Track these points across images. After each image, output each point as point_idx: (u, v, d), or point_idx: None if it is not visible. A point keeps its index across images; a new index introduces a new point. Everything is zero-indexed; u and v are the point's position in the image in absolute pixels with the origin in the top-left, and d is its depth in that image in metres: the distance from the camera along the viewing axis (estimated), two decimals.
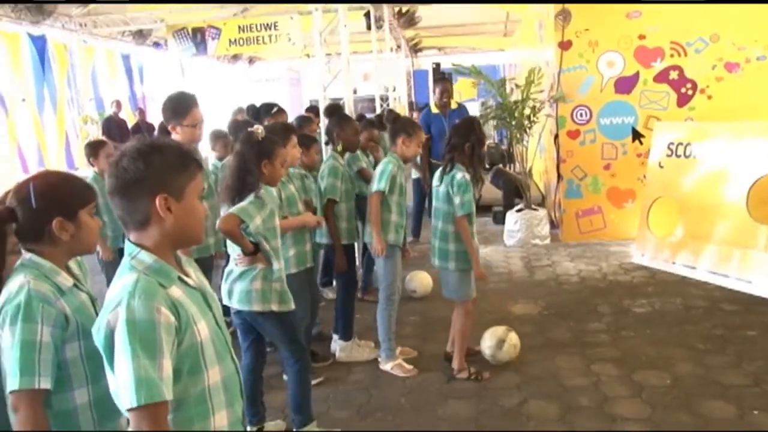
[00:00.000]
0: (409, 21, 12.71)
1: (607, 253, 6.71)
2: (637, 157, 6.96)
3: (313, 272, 4.13)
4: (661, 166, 6.30)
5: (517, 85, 7.49)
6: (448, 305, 4.33)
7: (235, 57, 16.37)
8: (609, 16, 6.90)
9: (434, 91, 7.69)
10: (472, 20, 13.40)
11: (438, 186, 4.04)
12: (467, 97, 16.03)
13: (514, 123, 7.17)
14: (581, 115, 7.09)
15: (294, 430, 3.42)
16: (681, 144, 6.12)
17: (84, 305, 1.88)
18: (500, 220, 7.86)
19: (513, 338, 4.19)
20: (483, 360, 4.20)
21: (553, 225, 7.57)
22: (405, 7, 11.87)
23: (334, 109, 6.21)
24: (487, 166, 9.99)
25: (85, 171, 5.73)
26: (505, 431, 3.47)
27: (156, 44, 12.72)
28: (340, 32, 6.68)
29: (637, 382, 3.88)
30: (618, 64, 6.93)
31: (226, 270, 3.32)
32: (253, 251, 3.15)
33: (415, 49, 18.46)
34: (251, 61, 17.91)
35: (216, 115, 10.04)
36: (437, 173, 4.10)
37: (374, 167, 4.87)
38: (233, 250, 3.26)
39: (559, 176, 7.27)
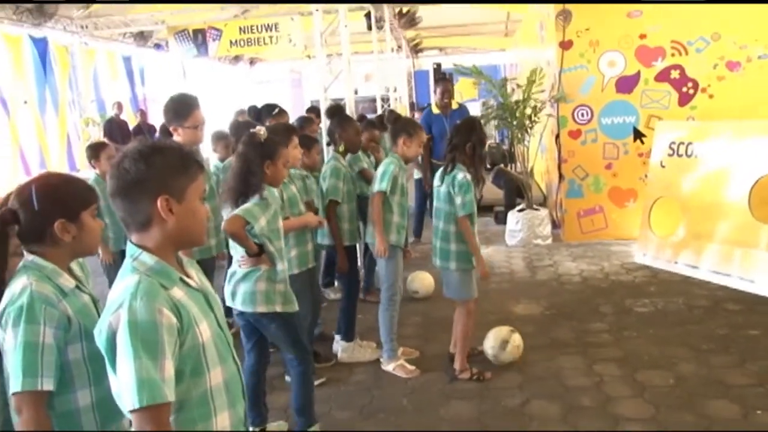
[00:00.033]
0: (410, 21, 12.73)
1: (609, 252, 6.70)
2: (639, 156, 6.95)
3: (314, 273, 4.12)
4: (663, 166, 6.29)
5: (518, 85, 7.49)
6: (450, 305, 4.32)
7: (236, 58, 16.41)
8: (610, 15, 6.89)
9: (435, 92, 7.68)
10: (473, 20, 13.42)
11: (439, 186, 4.03)
12: (468, 97, 16.01)
13: (515, 123, 7.16)
14: (582, 114, 7.08)
15: (296, 431, 3.42)
16: (682, 143, 6.11)
17: (86, 307, 1.88)
18: (502, 220, 7.85)
19: (516, 339, 4.19)
20: (485, 360, 4.20)
21: (555, 225, 7.56)
22: (406, 8, 11.88)
23: (336, 110, 6.21)
24: (489, 166, 10.01)
25: (86, 173, 5.75)
26: (507, 431, 3.47)
27: (157, 46, 12.76)
28: (341, 33, 6.67)
29: (640, 382, 3.87)
30: (619, 63, 6.93)
31: (229, 271, 3.31)
32: (258, 252, 3.15)
33: (416, 49, 18.48)
34: (252, 62, 17.94)
35: (217, 116, 10.05)
36: (438, 173, 4.09)
37: (375, 168, 4.87)
38: (236, 251, 3.25)
39: (561, 176, 7.26)
